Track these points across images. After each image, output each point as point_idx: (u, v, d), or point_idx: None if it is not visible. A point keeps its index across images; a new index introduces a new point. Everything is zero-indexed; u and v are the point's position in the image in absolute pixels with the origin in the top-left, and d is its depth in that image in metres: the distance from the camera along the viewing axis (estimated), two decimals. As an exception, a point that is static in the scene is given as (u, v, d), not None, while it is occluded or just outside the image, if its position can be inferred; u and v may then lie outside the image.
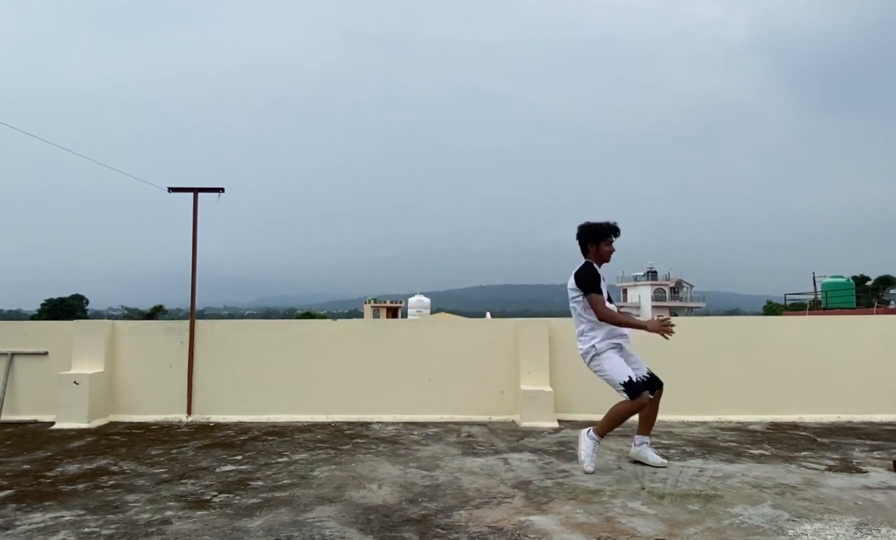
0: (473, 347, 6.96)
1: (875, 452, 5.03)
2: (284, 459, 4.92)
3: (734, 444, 5.40)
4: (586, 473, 4.36)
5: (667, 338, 4.43)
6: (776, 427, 6.21)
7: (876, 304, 30.59)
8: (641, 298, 73.74)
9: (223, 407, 6.88)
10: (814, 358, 6.86)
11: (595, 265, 4.59)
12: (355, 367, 6.96)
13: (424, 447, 5.34)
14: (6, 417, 6.80)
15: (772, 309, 54.13)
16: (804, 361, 6.84)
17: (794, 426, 6.25)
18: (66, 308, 71.81)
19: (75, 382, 6.48)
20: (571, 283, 4.56)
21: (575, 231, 4.66)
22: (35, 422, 6.69)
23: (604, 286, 4.55)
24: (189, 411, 6.87)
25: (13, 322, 8.31)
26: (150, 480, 4.33)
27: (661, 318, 4.60)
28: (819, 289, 33.83)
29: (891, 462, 4.57)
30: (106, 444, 5.60)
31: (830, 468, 4.52)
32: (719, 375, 6.83)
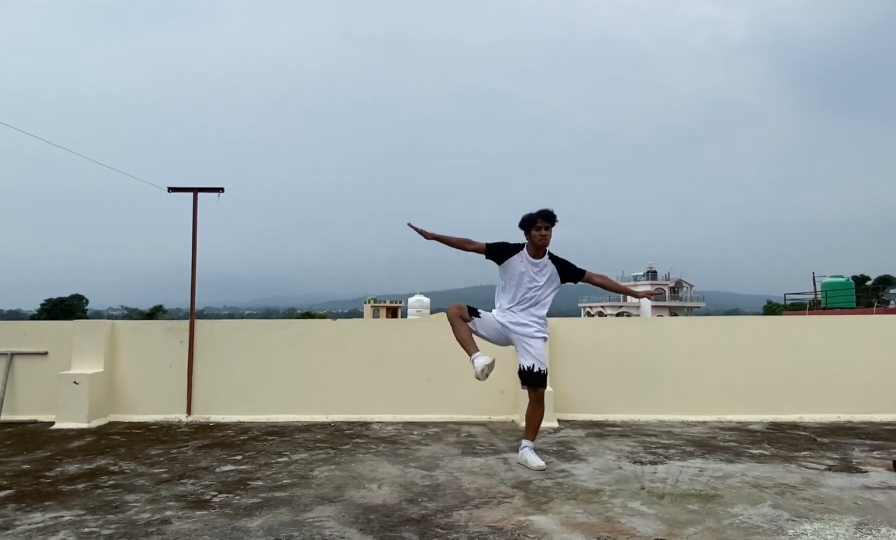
0: (473, 347, 6.96)
1: (875, 452, 5.03)
2: (284, 459, 4.92)
3: (734, 444, 5.40)
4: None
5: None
6: (776, 427, 6.20)
7: (876, 304, 30.59)
8: (641, 298, 73.55)
9: (223, 407, 6.88)
10: (814, 358, 6.86)
11: (522, 248, 4.69)
12: (355, 367, 6.95)
13: (424, 447, 5.34)
14: (6, 417, 6.80)
15: (772, 309, 54.11)
16: (804, 361, 6.84)
17: (794, 426, 6.25)
18: (66, 308, 71.77)
19: (75, 382, 6.48)
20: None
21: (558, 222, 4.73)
22: (35, 422, 6.69)
23: (521, 269, 4.62)
24: (189, 411, 6.87)
25: (13, 322, 8.31)
26: (150, 480, 4.32)
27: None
28: (819, 289, 33.82)
29: (891, 462, 4.57)
30: (106, 444, 5.60)
31: (830, 468, 4.52)
32: (719, 375, 6.83)
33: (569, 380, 6.80)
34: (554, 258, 4.74)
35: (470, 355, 4.58)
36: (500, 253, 4.70)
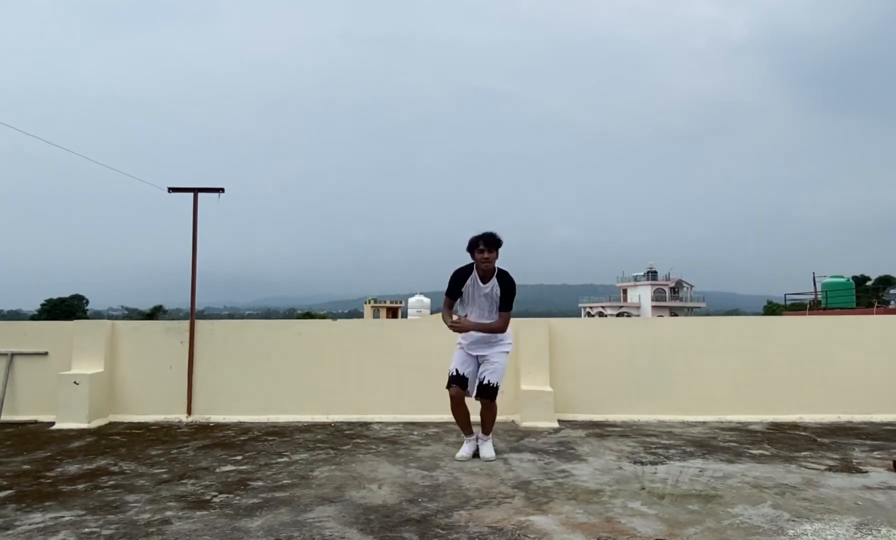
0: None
1: (875, 452, 5.03)
2: (284, 459, 4.93)
3: (734, 444, 5.40)
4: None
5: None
6: (776, 427, 6.21)
7: (876, 304, 30.58)
8: (641, 298, 73.73)
9: (223, 407, 6.88)
10: (814, 358, 6.86)
11: (472, 270, 4.85)
12: (355, 367, 6.96)
13: (424, 447, 5.34)
14: (6, 417, 6.80)
15: (772, 309, 54.14)
16: (804, 361, 6.84)
17: (794, 426, 6.25)
18: (66, 308, 71.79)
19: (75, 382, 6.48)
20: None
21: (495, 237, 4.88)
22: (35, 422, 6.69)
23: (471, 291, 4.84)
24: (189, 411, 6.87)
25: (13, 322, 8.31)
26: (150, 480, 4.33)
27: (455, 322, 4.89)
28: (819, 289, 33.83)
29: (891, 462, 4.57)
30: (106, 444, 5.60)
31: (830, 468, 4.52)
32: (719, 375, 6.83)
33: (569, 380, 6.80)
34: (501, 280, 4.87)
35: (466, 436, 5.01)
36: (455, 288, 4.89)
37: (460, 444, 5.44)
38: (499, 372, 4.87)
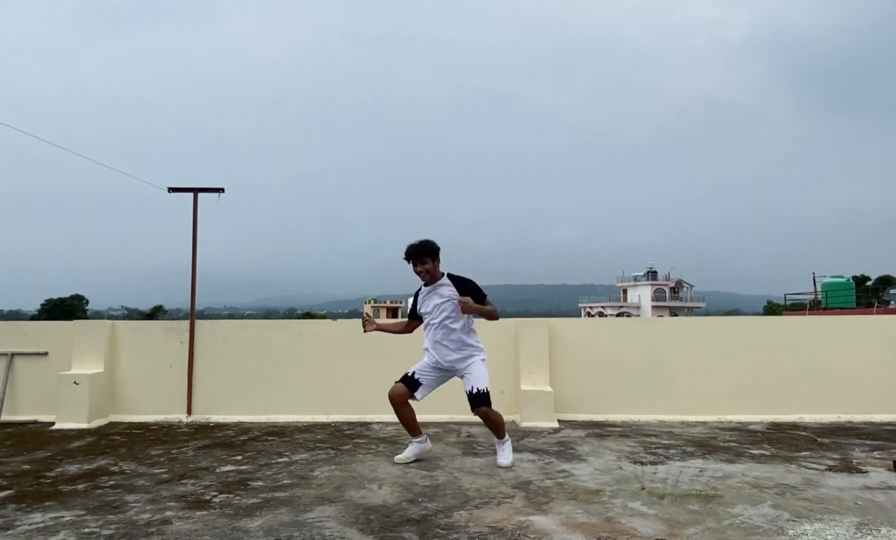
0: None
1: (875, 452, 5.03)
2: (284, 459, 4.93)
3: (734, 444, 5.40)
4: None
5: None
6: (776, 427, 6.21)
7: (876, 304, 30.58)
8: (641, 298, 73.74)
9: (223, 407, 6.88)
10: (814, 358, 6.86)
11: (418, 289, 4.82)
12: (355, 367, 6.95)
13: (424, 447, 5.34)
14: (6, 417, 6.80)
15: (772, 309, 54.16)
16: (804, 361, 6.84)
17: (794, 426, 6.25)
18: (66, 308, 71.81)
19: (75, 382, 6.48)
20: None
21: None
22: (35, 422, 6.69)
23: (423, 299, 4.75)
24: (189, 411, 6.87)
25: (13, 322, 8.31)
26: (150, 480, 4.33)
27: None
28: (819, 289, 33.83)
29: (891, 462, 4.57)
30: (106, 444, 5.60)
31: (830, 468, 4.52)
32: (719, 375, 6.83)
33: (569, 380, 6.80)
34: (452, 277, 4.74)
35: (413, 438, 4.79)
36: (413, 307, 4.85)
37: (460, 444, 5.46)
38: (482, 377, 4.62)
